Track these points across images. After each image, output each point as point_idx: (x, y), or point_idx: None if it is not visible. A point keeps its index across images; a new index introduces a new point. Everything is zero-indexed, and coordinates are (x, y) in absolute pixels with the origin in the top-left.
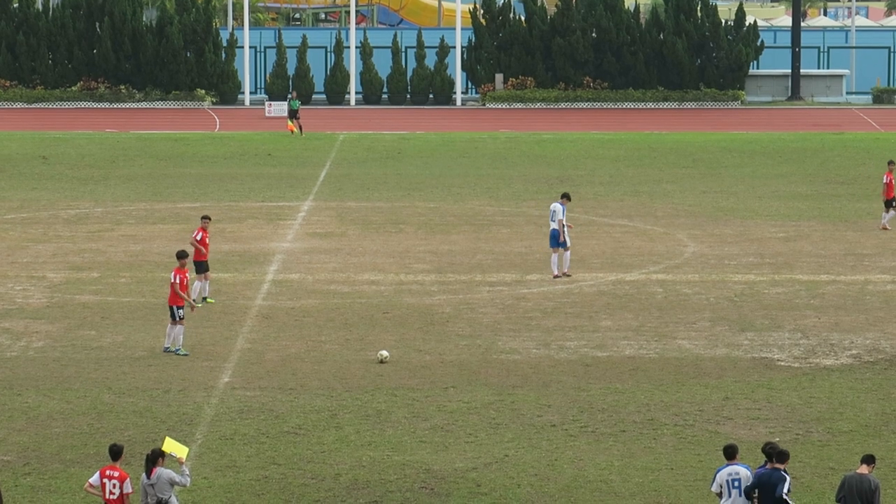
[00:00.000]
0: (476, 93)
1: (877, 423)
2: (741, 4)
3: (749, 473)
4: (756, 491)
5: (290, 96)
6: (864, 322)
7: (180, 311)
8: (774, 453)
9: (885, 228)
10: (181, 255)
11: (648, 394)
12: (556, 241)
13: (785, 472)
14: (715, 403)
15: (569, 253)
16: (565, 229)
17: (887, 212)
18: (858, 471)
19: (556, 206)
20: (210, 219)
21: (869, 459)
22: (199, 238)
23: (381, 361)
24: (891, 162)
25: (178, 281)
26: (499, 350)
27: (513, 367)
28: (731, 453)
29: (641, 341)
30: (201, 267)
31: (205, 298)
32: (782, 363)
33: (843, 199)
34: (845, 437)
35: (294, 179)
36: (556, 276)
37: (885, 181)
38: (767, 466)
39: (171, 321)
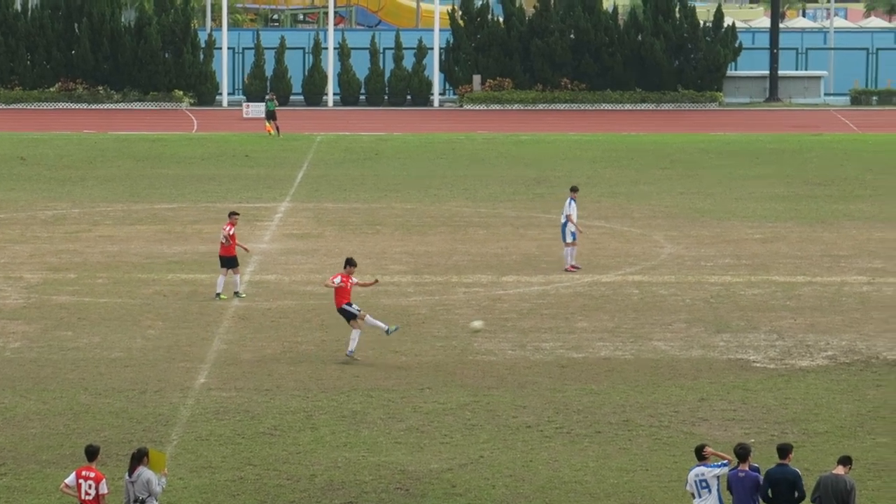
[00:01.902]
0: (454, 94)
1: (852, 425)
2: (719, 6)
3: (717, 472)
4: (770, 492)
5: (267, 97)
6: (840, 323)
7: (352, 307)
8: (745, 451)
9: None
10: (350, 263)
11: (624, 395)
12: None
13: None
14: (690, 404)
15: (567, 248)
16: (568, 224)
17: None
18: (834, 471)
19: (567, 201)
20: (239, 214)
21: (845, 460)
22: (231, 233)
23: (475, 331)
24: None
25: (340, 283)
26: (475, 351)
27: (488, 368)
28: (701, 454)
29: (617, 343)
30: (230, 262)
31: (236, 293)
32: (758, 364)
33: (820, 200)
34: (821, 439)
35: (271, 180)
36: (567, 269)
37: None
38: (742, 467)
39: (352, 322)
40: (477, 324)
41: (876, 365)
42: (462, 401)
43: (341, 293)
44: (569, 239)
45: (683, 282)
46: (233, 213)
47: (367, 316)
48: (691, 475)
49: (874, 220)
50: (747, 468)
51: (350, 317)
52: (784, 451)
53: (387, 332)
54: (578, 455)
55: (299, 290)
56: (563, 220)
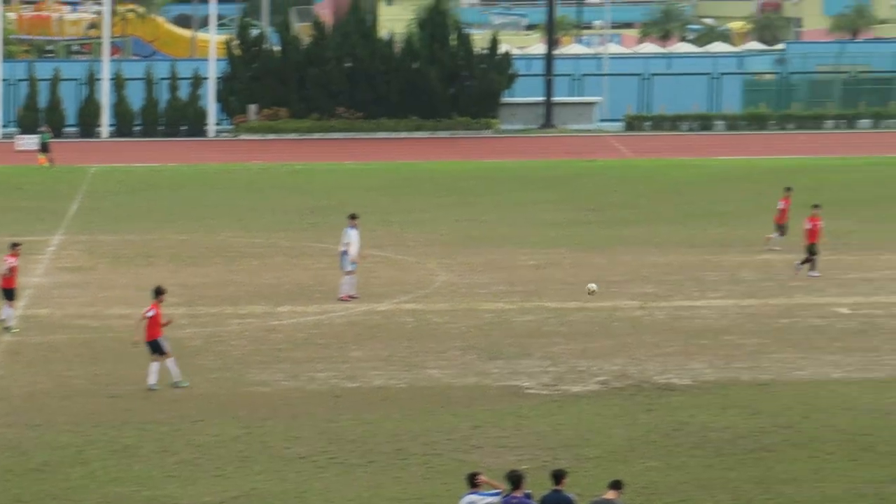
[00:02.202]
0: (230, 124)
1: (623, 449)
2: (495, 33)
3: (489, 500)
4: None
5: (41, 129)
6: (611, 348)
7: (165, 343)
8: (518, 477)
9: (769, 239)
10: (160, 292)
11: (398, 423)
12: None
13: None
14: (464, 432)
15: (346, 277)
16: (345, 254)
17: (778, 234)
18: (605, 496)
19: (346, 229)
20: (21, 245)
21: (616, 485)
22: (14, 265)
23: (591, 293)
24: (788, 189)
25: (154, 315)
26: (248, 383)
27: (262, 399)
28: (472, 482)
29: (391, 371)
30: (11, 294)
31: (7, 327)
32: (531, 391)
33: (593, 226)
34: (592, 464)
35: (44, 213)
36: (342, 298)
37: (780, 206)
38: (515, 494)
39: (155, 356)
40: (592, 286)
41: (647, 389)
42: (235, 433)
43: (155, 325)
44: (348, 268)
45: (457, 309)
46: (15, 245)
47: (172, 359)
48: (463, 503)
49: (647, 245)
50: (520, 495)
51: (159, 352)
52: (558, 476)
53: (177, 383)
54: (351, 485)
55: (71, 323)
56: (341, 249)
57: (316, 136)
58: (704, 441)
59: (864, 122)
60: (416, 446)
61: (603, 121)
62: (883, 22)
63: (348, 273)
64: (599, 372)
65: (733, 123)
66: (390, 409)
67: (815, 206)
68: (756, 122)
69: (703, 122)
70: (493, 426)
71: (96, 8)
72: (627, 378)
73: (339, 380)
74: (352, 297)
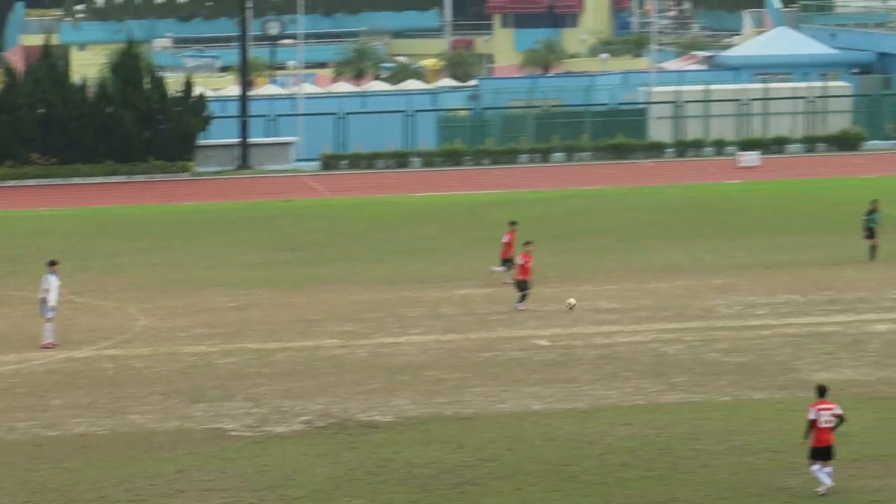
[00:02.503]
0: None
1: (329, 488)
2: (189, 76)
3: None
4: None
5: None
6: (314, 387)
7: None
8: None
9: (494, 273)
10: None
11: (100, 471)
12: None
13: None
14: (168, 477)
15: (47, 324)
16: (45, 301)
17: (503, 268)
18: None
19: (45, 276)
20: None
21: None
22: None
23: (571, 308)
24: (512, 223)
25: None
26: None
27: None
28: None
29: (93, 418)
30: None
31: None
32: (235, 433)
33: (292, 265)
34: (298, 503)
35: None
36: (44, 346)
37: (504, 241)
38: None
39: None
40: (572, 301)
41: (350, 427)
42: None
43: None
44: (48, 315)
45: (159, 353)
46: None
47: None
48: None
49: (346, 282)
50: None
51: None
52: None
53: None
54: None
55: None
56: (41, 296)
57: (10, 183)
58: (409, 477)
59: (558, 155)
60: (119, 493)
61: (299, 161)
62: (573, 56)
63: (48, 320)
64: (303, 412)
65: (429, 160)
66: (92, 457)
67: (528, 243)
68: (451, 158)
69: (399, 160)
70: (197, 469)
71: None
72: (331, 417)
73: (39, 428)
74: (53, 345)
